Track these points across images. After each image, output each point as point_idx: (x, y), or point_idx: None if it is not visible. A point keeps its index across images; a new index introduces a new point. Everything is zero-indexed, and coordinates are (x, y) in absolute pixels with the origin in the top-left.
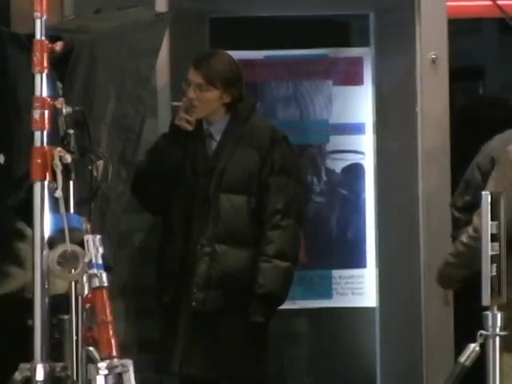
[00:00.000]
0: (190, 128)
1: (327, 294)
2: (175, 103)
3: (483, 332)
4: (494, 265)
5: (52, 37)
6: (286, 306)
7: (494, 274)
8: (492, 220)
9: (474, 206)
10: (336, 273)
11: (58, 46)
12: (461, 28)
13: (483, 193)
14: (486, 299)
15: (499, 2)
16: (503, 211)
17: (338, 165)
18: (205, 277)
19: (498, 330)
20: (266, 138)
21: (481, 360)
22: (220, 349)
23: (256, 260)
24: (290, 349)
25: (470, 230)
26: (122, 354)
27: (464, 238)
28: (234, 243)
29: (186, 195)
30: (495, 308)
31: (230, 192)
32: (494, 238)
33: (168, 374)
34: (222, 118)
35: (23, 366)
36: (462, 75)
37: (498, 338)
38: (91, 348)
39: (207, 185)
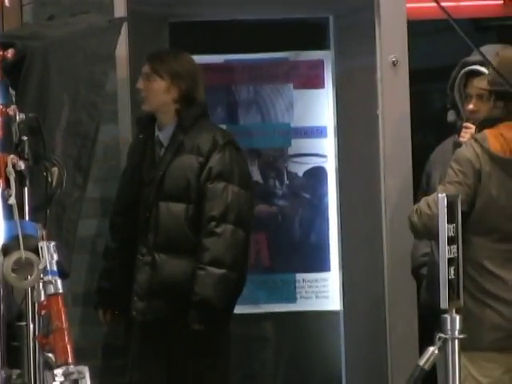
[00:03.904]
0: None
1: (291, 297)
2: None
3: (442, 335)
4: (452, 268)
5: (4, 44)
6: (251, 310)
7: (452, 277)
8: (449, 223)
9: None
10: (300, 276)
11: (9, 53)
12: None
13: (439, 196)
14: (444, 302)
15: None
16: (459, 213)
17: (300, 168)
18: (145, 286)
19: (456, 333)
20: (206, 144)
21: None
22: (167, 357)
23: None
24: (258, 353)
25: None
26: (80, 360)
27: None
28: (173, 252)
29: (131, 205)
30: (454, 311)
31: (169, 200)
32: (451, 240)
33: None
34: (171, 122)
35: None
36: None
37: (456, 341)
38: (50, 354)
39: (149, 193)
